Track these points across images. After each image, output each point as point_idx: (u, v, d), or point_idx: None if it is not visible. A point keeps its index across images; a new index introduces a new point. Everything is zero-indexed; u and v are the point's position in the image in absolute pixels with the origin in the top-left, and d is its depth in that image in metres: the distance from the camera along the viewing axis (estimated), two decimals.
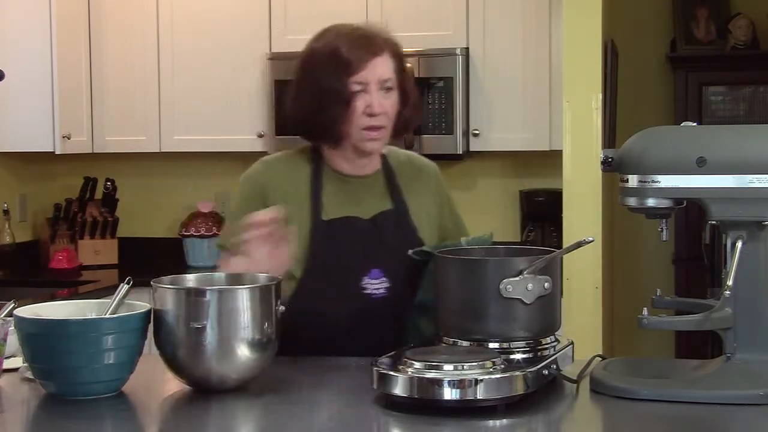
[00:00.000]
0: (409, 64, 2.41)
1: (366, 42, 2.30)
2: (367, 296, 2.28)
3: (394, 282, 2.30)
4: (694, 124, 2.01)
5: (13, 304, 2.05)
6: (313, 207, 2.30)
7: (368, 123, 2.27)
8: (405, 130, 2.38)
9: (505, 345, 1.95)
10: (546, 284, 1.94)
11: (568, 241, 3.88)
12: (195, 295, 1.94)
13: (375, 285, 2.29)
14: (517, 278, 1.92)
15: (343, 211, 2.31)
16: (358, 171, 2.36)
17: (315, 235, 2.28)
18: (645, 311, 1.90)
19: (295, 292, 2.26)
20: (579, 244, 1.94)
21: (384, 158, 2.40)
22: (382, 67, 2.28)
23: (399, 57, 2.32)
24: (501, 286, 1.92)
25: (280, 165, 2.39)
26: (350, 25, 2.39)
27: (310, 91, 2.31)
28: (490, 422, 1.77)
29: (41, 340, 1.90)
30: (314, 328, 2.28)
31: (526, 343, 1.96)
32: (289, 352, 2.10)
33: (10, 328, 2.02)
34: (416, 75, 4.32)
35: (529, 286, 1.93)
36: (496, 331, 1.95)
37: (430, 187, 2.43)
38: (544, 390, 1.88)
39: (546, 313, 1.98)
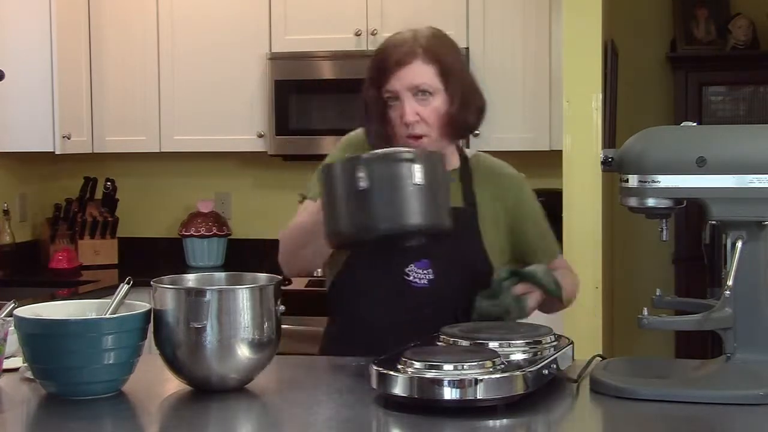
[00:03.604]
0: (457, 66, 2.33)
1: (397, 50, 2.28)
2: (407, 283, 2.29)
3: (439, 277, 2.29)
4: (694, 124, 2.01)
5: (13, 304, 2.05)
6: None
7: (407, 132, 2.26)
8: (463, 131, 2.36)
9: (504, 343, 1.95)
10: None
11: (568, 240, 3.89)
12: (195, 295, 1.94)
13: (419, 274, 2.29)
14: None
15: None
16: None
17: None
18: (645, 311, 1.90)
19: (345, 264, 2.32)
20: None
21: (465, 160, 2.41)
22: (412, 75, 2.25)
23: (439, 61, 2.27)
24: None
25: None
26: (402, 31, 2.34)
27: (362, 98, 2.34)
28: (490, 422, 1.77)
29: (41, 340, 1.90)
30: (358, 303, 2.33)
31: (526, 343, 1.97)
32: (337, 329, 2.36)
33: (10, 328, 2.03)
34: None
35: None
36: None
37: (506, 198, 2.40)
38: (544, 390, 1.88)
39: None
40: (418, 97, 2.26)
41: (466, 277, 2.28)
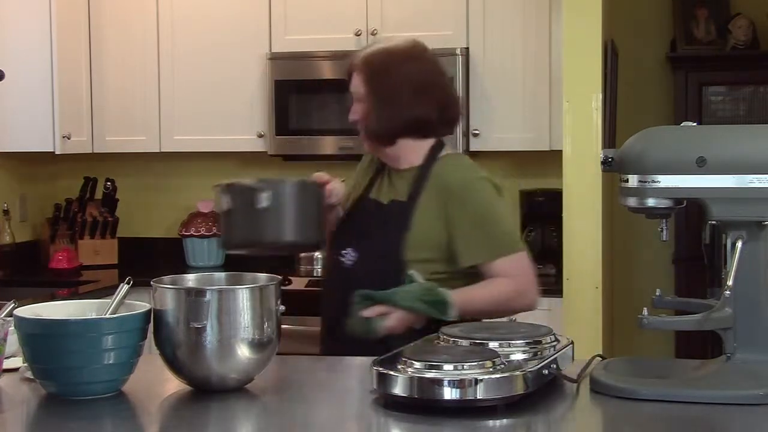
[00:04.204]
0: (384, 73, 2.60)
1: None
2: (340, 262, 2.60)
3: (359, 260, 2.57)
4: (694, 124, 2.01)
5: (13, 304, 2.05)
6: (364, 186, 2.68)
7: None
8: (374, 135, 2.58)
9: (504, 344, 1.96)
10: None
11: (568, 240, 3.89)
12: (195, 295, 1.95)
13: (348, 255, 2.58)
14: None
15: (377, 194, 2.64)
16: (390, 164, 2.64)
17: (350, 207, 2.67)
18: (645, 311, 1.90)
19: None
20: None
21: (430, 160, 2.58)
22: (352, 83, 2.62)
23: (365, 71, 2.58)
24: None
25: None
26: None
27: None
28: (490, 422, 1.77)
29: (41, 340, 1.90)
30: (326, 277, 2.77)
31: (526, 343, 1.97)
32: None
33: (10, 328, 2.03)
34: None
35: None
36: None
37: (450, 196, 2.52)
38: (544, 390, 1.88)
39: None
40: (355, 103, 2.61)
41: (380, 264, 2.51)
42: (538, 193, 4.55)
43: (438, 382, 1.78)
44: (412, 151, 2.59)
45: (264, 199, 2.40)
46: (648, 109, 5.07)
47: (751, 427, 1.80)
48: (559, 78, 4.02)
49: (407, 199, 2.54)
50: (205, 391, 1.97)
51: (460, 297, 2.42)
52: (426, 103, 2.55)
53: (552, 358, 1.93)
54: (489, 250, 2.49)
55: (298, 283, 4.31)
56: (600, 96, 3.87)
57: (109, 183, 4.85)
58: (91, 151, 4.72)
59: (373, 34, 4.42)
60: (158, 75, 4.68)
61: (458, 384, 1.77)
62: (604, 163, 2.01)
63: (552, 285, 4.19)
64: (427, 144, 2.59)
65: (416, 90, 2.54)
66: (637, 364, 2.17)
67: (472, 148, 4.42)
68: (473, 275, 2.51)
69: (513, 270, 2.50)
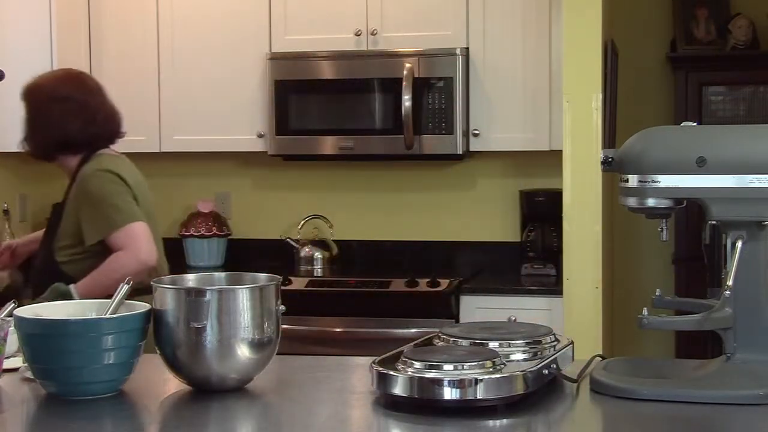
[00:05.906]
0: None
1: None
2: None
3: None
4: (694, 124, 2.01)
5: (13, 304, 2.05)
6: None
7: None
8: (32, 153, 3.29)
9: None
10: None
11: (568, 240, 3.89)
12: (195, 295, 1.95)
13: None
14: None
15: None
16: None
17: None
18: (645, 311, 1.90)
19: None
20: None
21: (80, 165, 3.14)
22: None
23: (23, 100, 3.25)
24: None
25: None
26: None
27: None
28: (490, 422, 1.77)
29: (41, 340, 1.90)
30: None
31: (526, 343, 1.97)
32: None
33: (10, 328, 2.03)
34: (416, 75, 4.32)
35: None
36: None
37: (76, 194, 3.09)
38: (544, 390, 1.88)
39: None
40: None
41: (47, 257, 3.11)
42: (538, 193, 4.55)
43: (438, 382, 1.78)
44: (70, 163, 3.16)
45: None
46: (648, 109, 5.07)
47: (751, 427, 1.80)
48: (559, 78, 4.02)
49: (63, 200, 3.09)
50: (205, 391, 1.97)
51: (82, 283, 2.96)
52: (65, 127, 3.11)
53: (552, 358, 1.93)
54: (103, 227, 3.01)
55: (298, 283, 4.31)
56: (600, 96, 3.87)
57: None
58: None
59: (373, 34, 4.43)
60: (158, 75, 4.68)
61: (458, 384, 1.77)
62: (604, 163, 2.01)
63: (552, 285, 4.20)
64: (82, 155, 3.14)
65: (56, 116, 3.12)
66: (637, 364, 2.17)
67: (472, 148, 4.42)
68: (106, 251, 3.00)
69: (124, 240, 2.99)
